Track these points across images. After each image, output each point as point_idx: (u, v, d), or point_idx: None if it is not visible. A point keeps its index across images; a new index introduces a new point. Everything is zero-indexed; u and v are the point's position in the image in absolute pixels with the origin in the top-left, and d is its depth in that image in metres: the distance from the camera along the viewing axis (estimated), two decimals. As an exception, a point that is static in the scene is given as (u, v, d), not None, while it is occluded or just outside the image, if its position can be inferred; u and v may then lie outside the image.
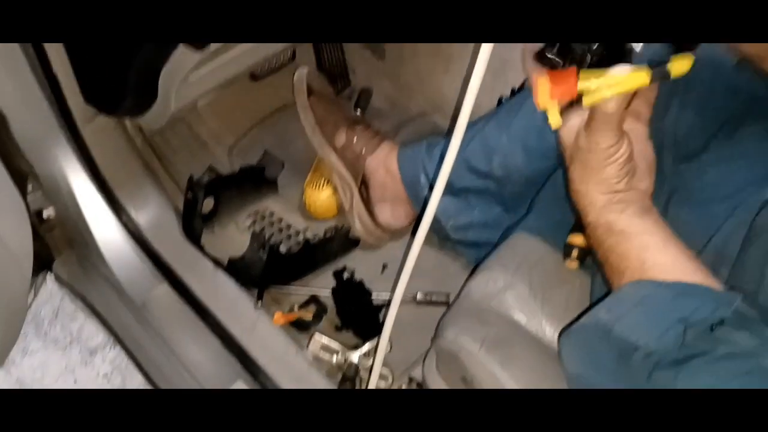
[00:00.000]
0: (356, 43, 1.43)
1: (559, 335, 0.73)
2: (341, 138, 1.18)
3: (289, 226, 1.24)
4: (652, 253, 0.63)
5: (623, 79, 0.57)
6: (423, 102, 1.39)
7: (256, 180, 1.24)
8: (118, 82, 0.82)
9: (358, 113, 1.39)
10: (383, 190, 1.16)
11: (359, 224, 1.18)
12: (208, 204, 1.16)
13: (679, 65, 0.58)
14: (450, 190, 1.07)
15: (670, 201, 0.78)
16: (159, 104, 0.84)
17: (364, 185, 1.18)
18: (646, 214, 0.65)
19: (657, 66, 0.57)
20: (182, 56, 0.74)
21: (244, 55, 0.84)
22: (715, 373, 0.53)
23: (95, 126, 1.00)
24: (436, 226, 1.10)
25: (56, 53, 0.88)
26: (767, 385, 0.51)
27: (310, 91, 1.22)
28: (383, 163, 1.15)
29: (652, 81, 0.57)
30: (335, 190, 1.21)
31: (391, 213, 1.17)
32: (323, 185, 1.23)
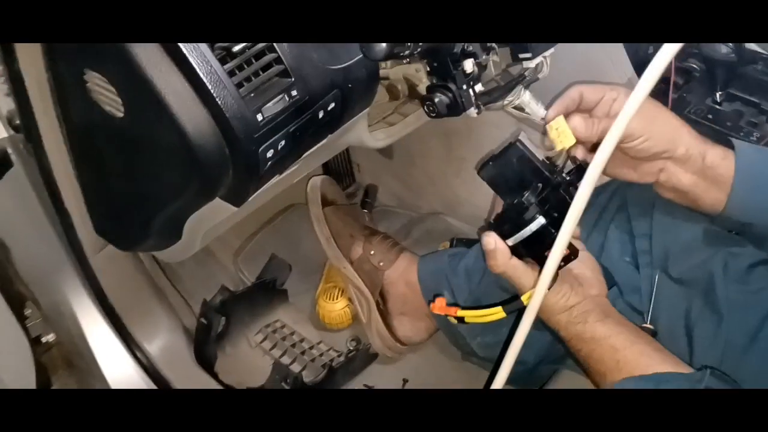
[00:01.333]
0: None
1: None
2: (358, 250, 1.13)
3: (302, 340, 1.19)
4: (623, 353, 0.70)
5: (485, 313, 0.79)
6: (434, 202, 1.36)
7: (267, 292, 1.19)
8: (140, 226, 0.77)
9: (366, 212, 1.36)
10: (403, 304, 1.12)
11: (378, 339, 1.13)
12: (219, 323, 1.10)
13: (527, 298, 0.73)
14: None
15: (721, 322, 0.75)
16: (182, 244, 0.79)
17: (381, 297, 1.14)
18: (607, 318, 0.73)
19: (510, 303, 0.77)
20: (218, 207, 0.70)
21: (275, 186, 0.80)
22: None
23: (105, 254, 0.95)
24: (460, 341, 1.06)
25: (70, 189, 0.83)
26: None
27: (324, 201, 1.18)
28: (403, 276, 1.11)
29: (507, 314, 0.77)
30: (350, 300, 1.17)
31: (411, 327, 1.13)
32: (338, 296, 1.19)
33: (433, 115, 0.72)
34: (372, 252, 1.12)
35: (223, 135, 0.61)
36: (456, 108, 0.71)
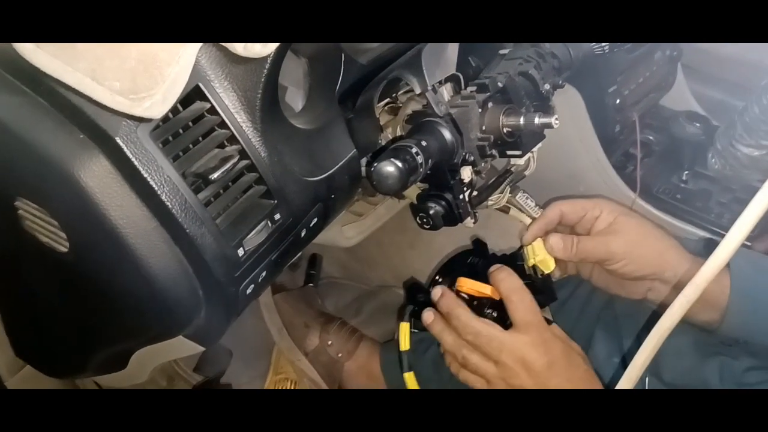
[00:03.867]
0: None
1: None
2: (314, 340, 1.04)
3: (251, 440, 1.07)
4: None
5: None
6: (385, 274, 1.28)
7: (210, 390, 1.06)
8: (76, 359, 0.64)
9: (313, 287, 1.26)
10: (365, 397, 1.03)
11: (338, 437, 1.03)
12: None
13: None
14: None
15: None
16: (126, 374, 0.67)
17: (340, 390, 1.04)
18: None
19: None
20: (178, 345, 0.59)
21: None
22: None
23: (23, 375, 0.80)
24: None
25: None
26: None
27: (273, 287, 1.07)
28: (364, 367, 1.02)
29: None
30: (304, 394, 1.07)
31: (374, 421, 1.04)
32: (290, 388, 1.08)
33: (427, 227, 0.65)
34: (329, 342, 1.03)
35: (197, 277, 0.51)
36: (452, 218, 0.64)
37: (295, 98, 0.66)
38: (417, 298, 0.74)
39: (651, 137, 1.09)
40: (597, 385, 0.66)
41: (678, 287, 0.65)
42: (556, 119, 0.61)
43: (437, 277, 0.74)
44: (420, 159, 0.52)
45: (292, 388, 1.07)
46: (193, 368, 1.14)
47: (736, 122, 0.63)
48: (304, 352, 1.04)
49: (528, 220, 0.73)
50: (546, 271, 0.68)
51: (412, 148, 0.52)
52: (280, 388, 1.08)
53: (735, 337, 0.70)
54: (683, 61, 1.11)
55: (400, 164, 0.50)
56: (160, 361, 0.65)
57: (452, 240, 1.18)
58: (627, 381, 0.45)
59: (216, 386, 1.07)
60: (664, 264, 0.66)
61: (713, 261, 0.40)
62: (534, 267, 0.72)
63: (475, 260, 0.75)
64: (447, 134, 0.59)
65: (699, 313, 0.68)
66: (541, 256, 0.69)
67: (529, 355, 0.64)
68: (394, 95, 0.72)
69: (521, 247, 0.74)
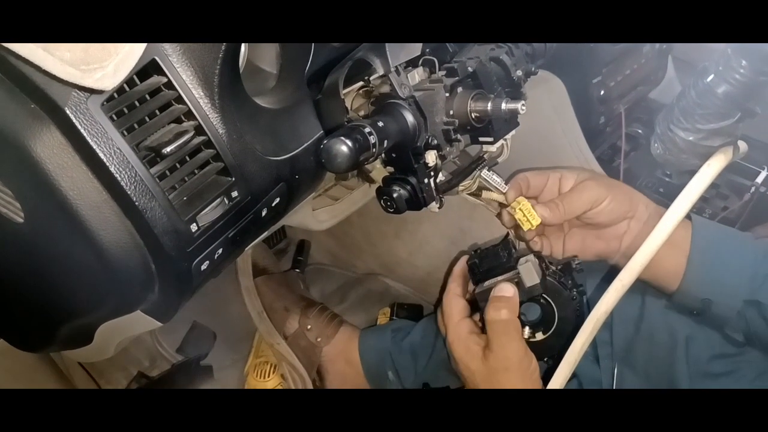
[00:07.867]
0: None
1: None
2: (293, 324, 1.04)
3: (229, 422, 1.07)
4: None
5: None
6: (371, 261, 1.28)
7: (188, 372, 1.07)
8: (40, 333, 0.65)
9: (298, 272, 1.26)
10: (342, 383, 1.03)
11: (315, 421, 1.03)
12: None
13: None
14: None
15: None
16: (93, 349, 0.68)
17: (318, 375, 1.05)
18: None
19: None
20: (138, 320, 0.59)
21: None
22: None
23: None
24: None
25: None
26: None
27: (255, 269, 1.08)
28: (343, 353, 1.03)
29: None
30: (283, 378, 1.07)
31: (351, 407, 1.04)
32: (270, 373, 1.08)
33: (391, 210, 0.64)
34: (309, 327, 1.03)
35: (149, 251, 0.51)
36: (417, 203, 0.64)
37: (268, 78, 0.66)
38: None
39: (640, 131, 1.08)
40: None
41: (648, 224, 0.67)
42: (523, 105, 0.61)
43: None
44: (373, 139, 0.52)
45: (272, 371, 1.08)
46: (176, 349, 1.15)
47: (674, 106, 0.62)
48: (284, 335, 1.04)
49: (501, 198, 0.74)
50: (534, 225, 0.70)
51: (365, 128, 0.52)
52: (259, 371, 1.08)
53: (698, 296, 0.69)
54: (675, 54, 1.10)
55: (350, 143, 0.49)
56: (124, 335, 0.65)
57: (437, 230, 1.18)
58: (566, 365, 0.44)
59: (196, 367, 1.08)
60: (637, 200, 0.71)
61: (638, 257, 0.40)
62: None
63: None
64: (409, 117, 0.58)
65: (664, 260, 0.67)
66: (527, 209, 0.72)
67: None
68: (367, 78, 0.71)
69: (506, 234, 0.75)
